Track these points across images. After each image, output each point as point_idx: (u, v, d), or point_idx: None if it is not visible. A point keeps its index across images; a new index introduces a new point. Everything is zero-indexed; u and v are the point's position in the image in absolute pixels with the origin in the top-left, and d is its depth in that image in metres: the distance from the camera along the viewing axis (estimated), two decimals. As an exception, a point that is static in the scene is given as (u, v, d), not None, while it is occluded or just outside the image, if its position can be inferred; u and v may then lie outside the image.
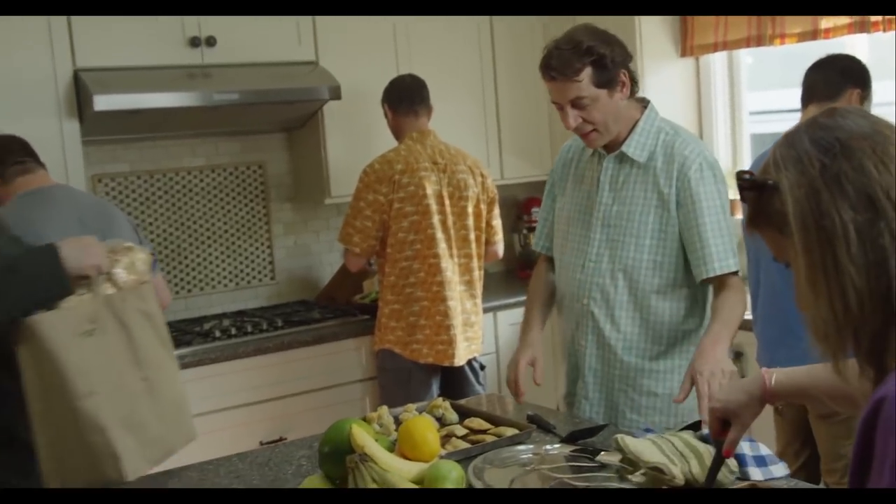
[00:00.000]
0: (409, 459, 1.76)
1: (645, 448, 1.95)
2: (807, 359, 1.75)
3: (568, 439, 2.19)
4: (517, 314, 4.28)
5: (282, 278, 4.42)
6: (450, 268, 3.65)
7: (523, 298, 4.15)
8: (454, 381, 3.73)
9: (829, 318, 1.15)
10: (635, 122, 2.44)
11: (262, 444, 3.48)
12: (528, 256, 4.83)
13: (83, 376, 1.91)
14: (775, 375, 1.71)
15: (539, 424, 2.31)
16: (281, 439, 3.57)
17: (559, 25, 4.38)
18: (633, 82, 2.41)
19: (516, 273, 4.87)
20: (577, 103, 2.35)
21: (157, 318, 2.14)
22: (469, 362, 3.76)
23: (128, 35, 3.62)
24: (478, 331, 3.79)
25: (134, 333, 2.07)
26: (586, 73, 2.32)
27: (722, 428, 1.75)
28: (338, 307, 4.15)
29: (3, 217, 2.82)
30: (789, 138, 1.24)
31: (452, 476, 1.68)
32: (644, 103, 2.48)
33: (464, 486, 1.73)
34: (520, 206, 4.83)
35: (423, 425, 1.81)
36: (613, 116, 2.39)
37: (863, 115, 1.22)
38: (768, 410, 2.82)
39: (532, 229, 4.78)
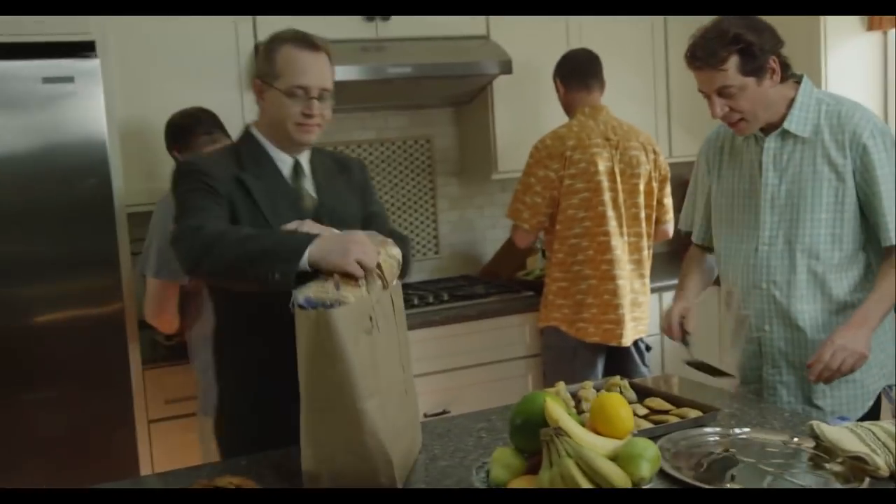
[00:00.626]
0: (602, 435, 1.73)
1: (844, 436, 1.88)
2: None
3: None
4: (683, 295, 4.20)
5: (445, 253, 4.45)
6: (619, 246, 3.59)
7: (690, 280, 4.11)
8: (620, 361, 3.67)
9: None
10: (791, 100, 2.40)
11: (426, 416, 3.51)
12: (694, 237, 4.71)
13: (366, 376, 1.79)
14: None
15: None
16: (444, 412, 3.59)
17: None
18: (785, 66, 2.38)
19: (681, 254, 4.73)
20: (723, 92, 2.34)
21: (404, 315, 2.08)
22: (635, 343, 3.69)
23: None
24: (645, 311, 3.71)
25: (400, 333, 2.01)
26: (732, 62, 2.30)
27: None
28: (501, 283, 4.15)
29: None
30: None
31: (649, 454, 1.64)
32: (797, 79, 2.43)
33: (659, 464, 1.70)
34: (687, 186, 4.70)
35: (616, 401, 1.78)
36: (763, 104, 2.36)
37: None
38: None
39: (700, 209, 4.67)
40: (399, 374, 1.97)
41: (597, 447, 1.66)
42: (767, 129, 2.43)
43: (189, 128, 3.10)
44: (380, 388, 1.83)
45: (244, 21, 3.61)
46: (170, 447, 3.24)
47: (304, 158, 2.33)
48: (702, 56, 2.33)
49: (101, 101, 3.04)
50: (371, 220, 2.39)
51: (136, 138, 3.40)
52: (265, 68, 2.26)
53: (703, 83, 2.37)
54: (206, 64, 3.57)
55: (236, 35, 3.61)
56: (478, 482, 1.75)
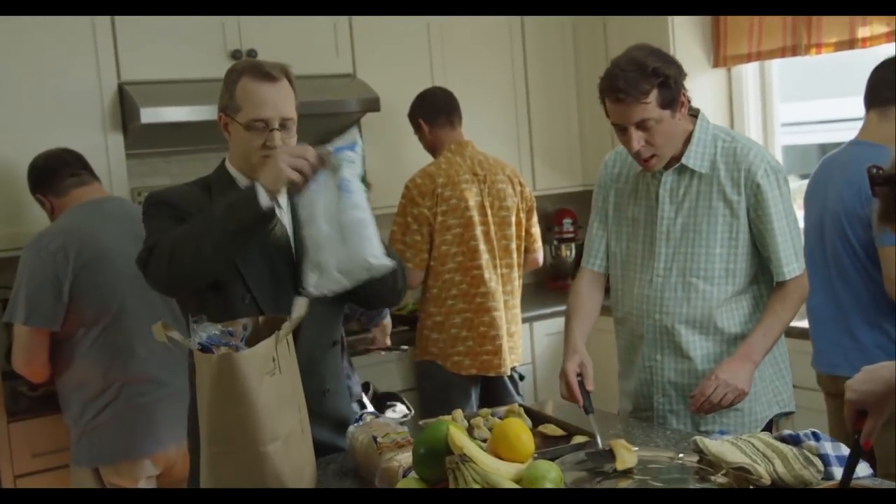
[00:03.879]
0: (504, 460, 1.77)
1: (726, 449, 1.96)
2: (866, 361, 1.77)
3: None
4: (552, 324, 4.31)
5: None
6: (493, 279, 3.66)
7: (557, 309, 4.24)
8: (494, 391, 3.74)
9: None
10: (689, 134, 2.44)
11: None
12: (558, 268, 4.86)
13: (271, 419, 1.77)
14: None
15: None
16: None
17: (589, 28, 4.48)
18: (688, 100, 2.41)
19: (546, 284, 4.89)
20: (642, 125, 2.34)
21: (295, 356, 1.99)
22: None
23: (171, 49, 3.65)
24: (518, 340, 3.80)
25: (295, 372, 1.94)
26: (654, 95, 2.31)
27: (858, 418, 1.72)
28: (375, 318, 4.15)
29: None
30: None
31: (551, 476, 1.69)
32: (694, 113, 2.47)
33: (562, 485, 1.74)
34: (550, 218, 4.85)
35: (517, 426, 1.83)
36: (672, 139, 2.39)
37: None
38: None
39: (563, 240, 4.81)
40: (297, 414, 1.95)
41: (501, 471, 1.69)
42: (667, 164, 2.45)
43: (55, 170, 3.00)
44: (282, 429, 1.82)
45: (107, 60, 3.53)
46: (39, 503, 3.10)
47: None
48: (625, 88, 2.30)
49: (-42, 145, 2.92)
50: None
51: (-3, 182, 3.28)
52: (226, 101, 2.22)
53: (623, 116, 2.34)
54: (69, 105, 3.47)
55: (98, 75, 3.52)
56: (385, 514, 1.76)
